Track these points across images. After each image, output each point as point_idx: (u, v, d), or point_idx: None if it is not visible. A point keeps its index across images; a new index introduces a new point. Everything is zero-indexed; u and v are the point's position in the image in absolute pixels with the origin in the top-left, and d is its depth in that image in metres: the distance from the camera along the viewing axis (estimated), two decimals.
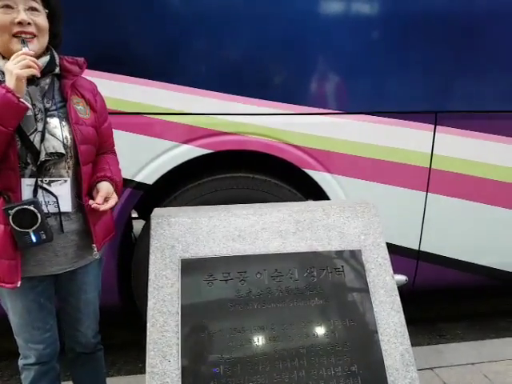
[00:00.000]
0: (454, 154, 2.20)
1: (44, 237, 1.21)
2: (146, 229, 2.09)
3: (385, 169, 2.17)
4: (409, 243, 2.29)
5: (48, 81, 1.28)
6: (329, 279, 1.39)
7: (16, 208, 1.17)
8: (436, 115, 2.15)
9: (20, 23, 1.16)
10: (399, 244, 2.27)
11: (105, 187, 1.31)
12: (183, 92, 1.97)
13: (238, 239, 1.41)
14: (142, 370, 2.21)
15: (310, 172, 2.13)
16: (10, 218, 1.17)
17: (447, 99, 2.15)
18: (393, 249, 2.24)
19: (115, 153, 1.54)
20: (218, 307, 1.30)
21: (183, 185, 2.12)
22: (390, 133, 2.13)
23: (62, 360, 1.49)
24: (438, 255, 2.33)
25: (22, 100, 1.12)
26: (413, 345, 2.33)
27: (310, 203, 1.62)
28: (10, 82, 1.11)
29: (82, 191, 1.30)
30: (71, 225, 1.31)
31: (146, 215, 2.39)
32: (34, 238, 1.20)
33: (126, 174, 1.98)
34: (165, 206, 2.08)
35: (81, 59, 1.37)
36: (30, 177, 1.22)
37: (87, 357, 1.53)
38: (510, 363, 2.09)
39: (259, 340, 1.28)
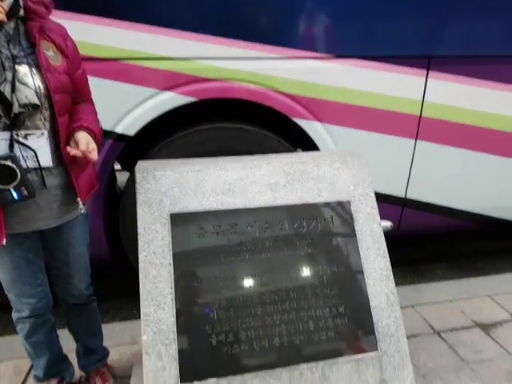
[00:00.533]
0: (445, 101, 2.18)
1: (26, 193, 1.18)
2: (131, 181, 2.06)
3: (375, 117, 2.14)
4: (396, 191, 2.33)
5: (12, 25, 1.17)
6: (318, 229, 1.42)
7: None
8: (429, 60, 2.09)
9: None
10: (386, 192, 2.31)
11: (83, 137, 1.24)
12: (163, 35, 1.85)
13: (227, 193, 1.40)
14: (137, 316, 2.31)
15: (299, 121, 2.09)
16: None
17: (441, 43, 2.08)
18: (380, 197, 2.28)
19: (92, 102, 1.45)
20: (209, 258, 1.33)
21: (167, 137, 2.05)
22: (380, 79, 2.08)
23: (57, 311, 1.53)
24: (424, 202, 2.38)
25: None
26: (396, 284, 2.47)
27: (301, 155, 1.61)
28: None
29: (61, 144, 1.25)
30: (53, 179, 1.28)
31: (130, 167, 2.36)
32: (15, 195, 1.17)
33: (106, 124, 1.91)
34: (149, 158, 2.04)
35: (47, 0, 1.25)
36: (4, 130, 1.16)
37: (81, 308, 1.56)
38: (485, 299, 2.24)
39: (250, 286, 1.33)
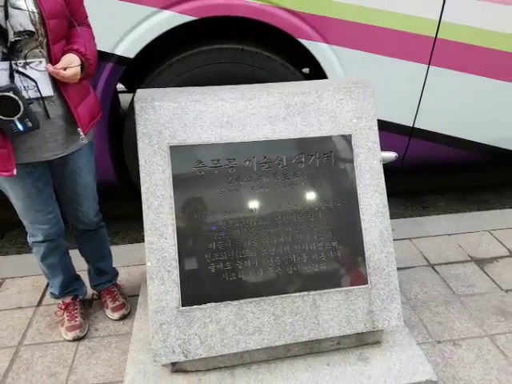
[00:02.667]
0: (463, 22, 1.99)
1: (30, 124, 1.19)
2: (132, 107, 2.02)
3: (385, 38, 1.98)
4: (403, 120, 2.25)
5: None
6: (316, 165, 1.41)
7: None
8: None
9: None
10: (393, 121, 2.23)
11: (65, 57, 1.21)
12: None
13: (226, 126, 1.37)
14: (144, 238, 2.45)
15: (305, 42, 1.96)
16: None
17: None
18: (386, 126, 2.22)
19: (89, 25, 1.40)
20: (208, 192, 1.35)
21: (168, 59, 1.97)
22: None
23: (69, 234, 1.62)
24: (432, 132, 2.31)
25: None
26: (396, 216, 2.51)
27: (303, 84, 1.53)
28: None
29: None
30: (56, 110, 1.28)
31: (133, 89, 2.29)
32: (20, 127, 1.18)
33: (105, 47, 1.83)
34: (149, 82, 1.98)
35: None
36: (3, 60, 1.13)
37: (91, 233, 1.65)
38: (484, 234, 2.26)
39: (248, 220, 1.36)
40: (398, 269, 1.96)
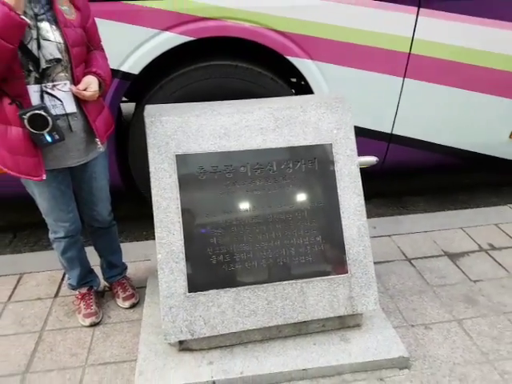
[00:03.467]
0: (434, 39, 2.22)
1: (57, 137, 1.39)
2: (137, 118, 2.21)
3: (365, 54, 2.21)
4: (382, 127, 2.47)
5: None
6: (302, 170, 1.62)
7: (28, 113, 1.32)
8: None
9: None
10: (373, 128, 2.45)
11: (85, 79, 1.42)
12: None
13: (223, 137, 1.58)
14: (147, 237, 2.65)
15: (292, 59, 2.18)
16: (26, 122, 1.33)
17: None
18: (366, 133, 2.44)
19: (102, 48, 1.61)
20: (209, 194, 1.56)
21: (170, 73, 2.18)
22: (370, 16, 2.12)
23: (84, 232, 1.82)
24: (409, 137, 2.52)
25: (22, 17, 1.19)
26: (377, 215, 2.73)
27: (290, 100, 1.74)
28: (9, 0, 1.16)
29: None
30: (78, 124, 1.49)
31: (134, 99, 2.50)
32: (48, 139, 1.38)
33: (113, 64, 2.02)
34: (152, 94, 2.19)
35: None
36: (35, 83, 1.34)
37: (104, 231, 1.85)
38: (457, 231, 2.48)
39: (243, 218, 1.57)
40: (378, 262, 2.19)
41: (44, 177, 1.45)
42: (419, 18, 2.15)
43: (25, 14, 1.26)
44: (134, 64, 2.07)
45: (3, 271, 2.18)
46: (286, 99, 1.76)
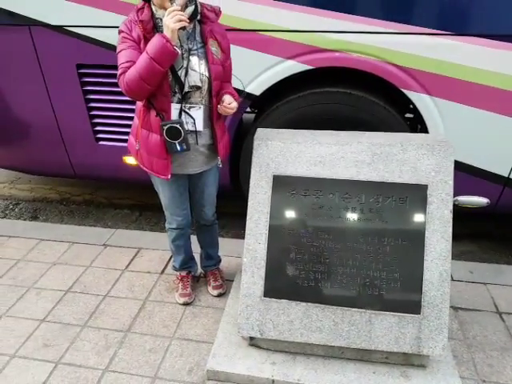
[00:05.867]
0: None
1: (185, 147, 1.70)
2: (254, 129, 2.46)
3: (485, 94, 2.11)
4: (499, 170, 2.31)
5: (192, 25, 1.61)
6: (392, 206, 1.66)
7: (168, 125, 1.65)
8: None
9: None
10: (488, 169, 2.31)
11: (227, 97, 1.70)
12: (290, 10, 2.10)
13: (319, 164, 1.72)
14: (243, 235, 2.85)
15: (407, 92, 2.19)
16: (164, 131, 1.66)
17: None
18: (480, 173, 2.32)
19: (231, 82, 1.87)
20: (296, 213, 1.71)
21: (285, 96, 2.38)
22: (495, 57, 2.03)
23: (192, 227, 2.14)
24: None
25: (175, 47, 1.50)
26: (480, 260, 2.56)
27: (391, 137, 1.78)
28: (167, 33, 1.48)
29: (213, 114, 1.72)
30: (203, 140, 1.78)
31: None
32: (178, 147, 1.70)
33: (239, 84, 2.31)
34: (268, 115, 2.42)
35: (217, 7, 1.66)
36: (177, 103, 1.66)
37: (207, 227, 2.16)
38: None
39: (324, 241, 1.68)
40: (465, 309, 2.09)
41: (169, 177, 1.78)
42: None
43: (181, 47, 1.57)
44: (257, 86, 2.33)
45: (127, 243, 2.67)
46: (388, 135, 1.81)
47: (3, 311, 2.14)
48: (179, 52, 1.53)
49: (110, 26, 2.29)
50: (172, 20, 1.44)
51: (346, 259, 1.67)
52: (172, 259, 2.25)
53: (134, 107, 1.85)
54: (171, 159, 1.76)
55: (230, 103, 1.67)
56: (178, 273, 2.24)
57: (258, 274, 1.73)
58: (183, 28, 1.51)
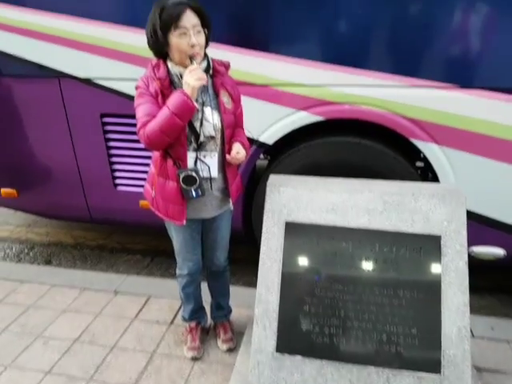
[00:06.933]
0: None
1: (200, 193, 1.73)
2: (267, 175, 2.50)
3: (496, 145, 2.13)
4: None
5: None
6: (406, 256, 1.63)
7: (184, 173, 1.69)
8: None
9: (192, 45, 1.55)
10: (503, 221, 2.27)
11: (236, 146, 1.74)
12: (301, 66, 2.20)
13: (331, 212, 1.71)
14: (255, 284, 2.81)
15: (417, 142, 2.22)
16: (181, 179, 1.70)
17: None
18: (495, 224, 2.27)
19: (243, 128, 1.93)
20: (310, 262, 1.68)
21: (298, 143, 2.43)
22: (504, 109, 2.07)
23: (202, 273, 2.10)
24: None
25: (195, 104, 1.57)
26: (501, 315, 2.43)
27: (402, 186, 1.78)
28: (187, 90, 1.55)
29: (226, 159, 1.75)
30: (217, 185, 1.81)
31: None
32: (194, 194, 1.73)
33: (252, 134, 2.37)
34: (281, 162, 2.46)
35: (226, 62, 1.75)
36: (193, 151, 1.71)
37: (218, 273, 2.13)
38: None
39: (337, 293, 1.63)
40: (488, 370, 1.95)
41: (184, 222, 1.79)
42: None
43: (196, 101, 1.64)
44: (270, 136, 2.39)
45: (138, 290, 2.64)
46: (399, 184, 1.81)
47: (8, 362, 2.09)
48: (197, 107, 1.60)
49: (132, 79, 2.42)
50: (193, 78, 1.52)
51: (362, 312, 1.61)
52: (181, 309, 2.20)
53: (150, 154, 1.90)
54: (186, 205, 1.78)
55: (237, 152, 1.71)
56: (187, 324, 2.19)
57: (270, 327, 1.67)
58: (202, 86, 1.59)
